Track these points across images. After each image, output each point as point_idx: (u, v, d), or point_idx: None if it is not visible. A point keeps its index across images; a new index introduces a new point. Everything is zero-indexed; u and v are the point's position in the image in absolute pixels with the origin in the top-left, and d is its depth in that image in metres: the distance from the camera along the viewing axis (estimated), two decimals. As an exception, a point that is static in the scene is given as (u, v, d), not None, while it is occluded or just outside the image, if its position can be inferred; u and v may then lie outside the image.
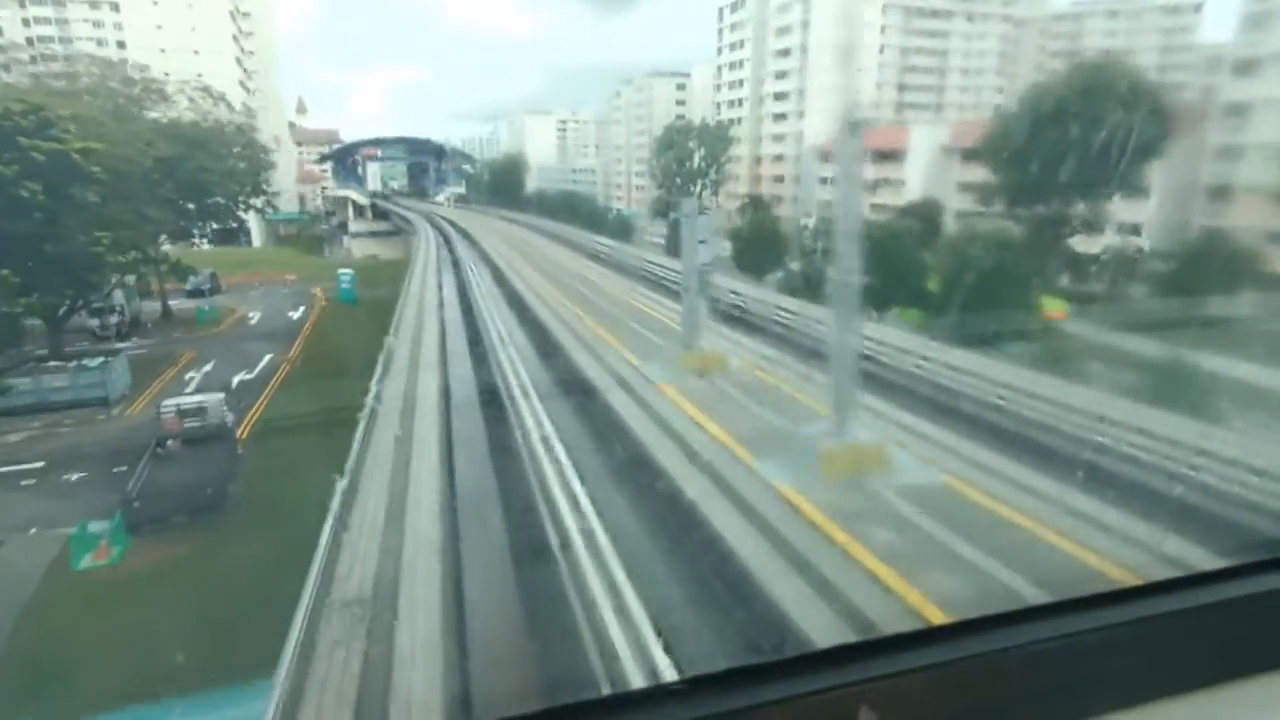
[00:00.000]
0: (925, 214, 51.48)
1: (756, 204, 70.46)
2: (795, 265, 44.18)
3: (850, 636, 6.31)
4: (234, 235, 76.64)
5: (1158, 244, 33.11)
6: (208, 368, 26.22)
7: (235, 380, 24.69)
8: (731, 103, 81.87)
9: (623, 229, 63.25)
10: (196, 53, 68.29)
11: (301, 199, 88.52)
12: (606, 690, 5.82)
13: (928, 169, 53.97)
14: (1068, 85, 31.12)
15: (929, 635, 1.10)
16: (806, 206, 72.27)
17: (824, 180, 69.43)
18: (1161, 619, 1.18)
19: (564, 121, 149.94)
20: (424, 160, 72.02)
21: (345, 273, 39.61)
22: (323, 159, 72.77)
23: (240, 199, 39.31)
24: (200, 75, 72.43)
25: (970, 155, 53.40)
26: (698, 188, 68.57)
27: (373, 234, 62.38)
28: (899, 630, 1.10)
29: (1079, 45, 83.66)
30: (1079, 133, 29.64)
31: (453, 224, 48.81)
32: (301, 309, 37.91)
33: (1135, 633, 1.15)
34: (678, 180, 71.05)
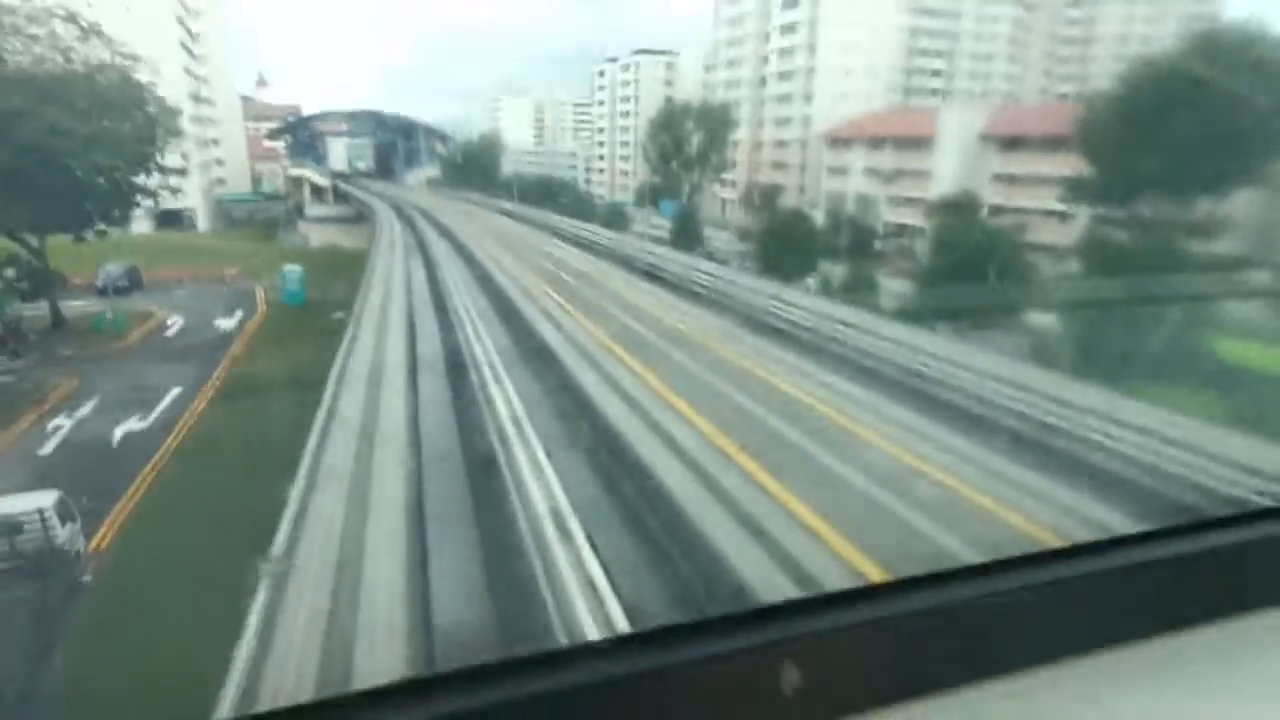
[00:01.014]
0: (961, 210, 45.26)
1: (771, 195, 63.84)
2: (833, 266, 37.68)
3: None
4: (176, 218, 68.02)
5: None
6: (85, 410, 18.66)
7: (119, 433, 17.33)
8: (728, 83, 74.81)
9: (614, 218, 56.15)
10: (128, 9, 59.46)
11: (258, 179, 79.56)
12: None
13: (960, 159, 47.72)
14: (1198, 58, 24.90)
15: (857, 594, 1.09)
16: (813, 196, 65.79)
17: (833, 169, 63.05)
18: (1086, 578, 1.20)
19: (542, 103, 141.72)
20: (393, 138, 63.85)
21: (292, 270, 32.01)
22: (274, 133, 64.14)
23: (117, 174, 28.76)
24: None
25: (1011, 144, 47.31)
26: (695, 174, 61.58)
27: (334, 219, 54.37)
28: (827, 590, 1.12)
29: (1094, 31, 78.41)
30: (1212, 115, 23.51)
31: (429, 218, 41.20)
32: (237, 314, 30.29)
33: (1060, 592, 1.17)
34: (672, 165, 63.98)
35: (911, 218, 52.95)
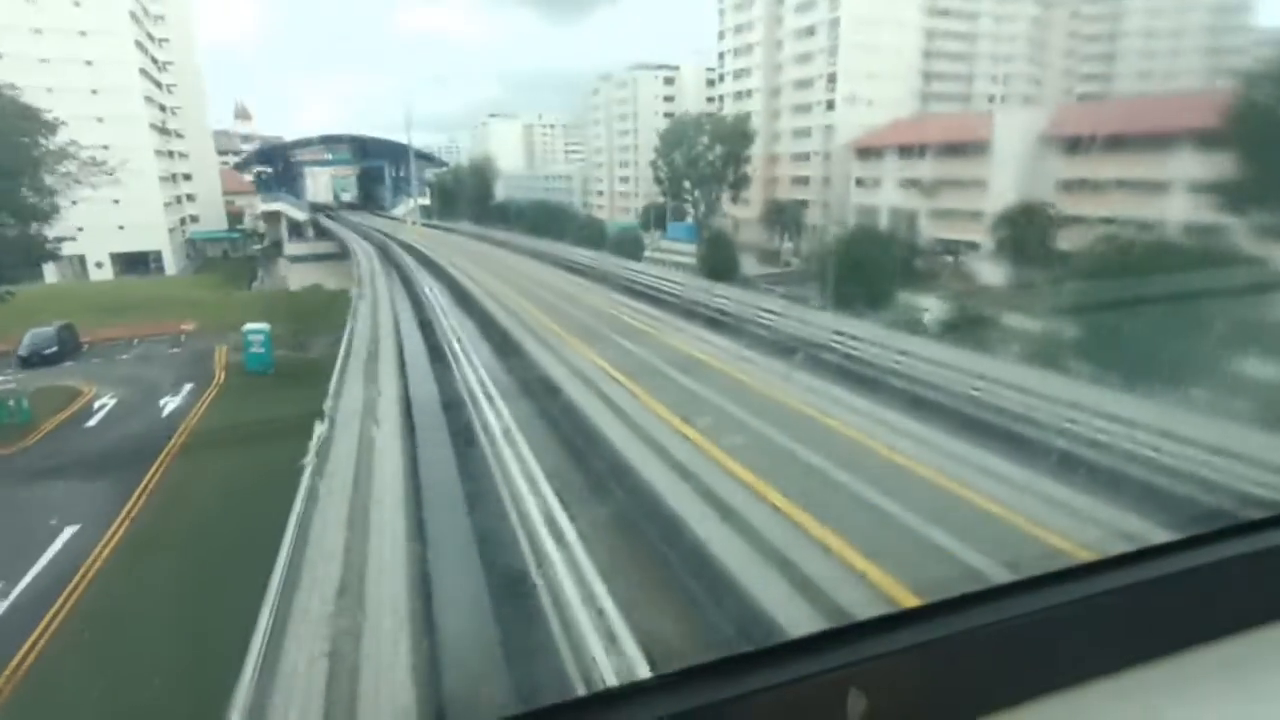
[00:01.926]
0: (1031, 223, 39.43)
1: (795, 213, 57.98)
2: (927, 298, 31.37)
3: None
4: (141, 261, 61.54)
5: None
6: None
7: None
8: (738, 94, 69.20)
9: (627, 244, 50.15)
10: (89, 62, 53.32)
11: (239, 214, 73.15)
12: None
13: (1020, 165, 42.04)
14: None
15: (911, 615, 1.08)
16: (839, 212, 60.00)
17: (863, 182, 57.35)
18: (1144, 586, 1.18)
19: (531, 126, 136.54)
20: (378, 165, 57.61)
21: (255, 331, 25.50)
22: (242, 164, 57.85)
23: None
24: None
25: (1073, 146, 41.63)
26: (712, 192, 55.73)
27: (316, 257, 47.93)
28: (884, 612, 1.10)
29: (1118, 27, 73.54)
30: None
31: (424, 260, 34.15)
32: (186, 389, 23.81)
33: (1119, 601, 1.16)
34: (686, 183, 58.13)
35: (958, 231, 47.23)
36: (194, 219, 70.77)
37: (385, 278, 30.23)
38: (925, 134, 50.89)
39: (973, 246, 45.73)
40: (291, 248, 50.10)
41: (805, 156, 62.18)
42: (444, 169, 61.37)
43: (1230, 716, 1.13)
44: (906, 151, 52.13)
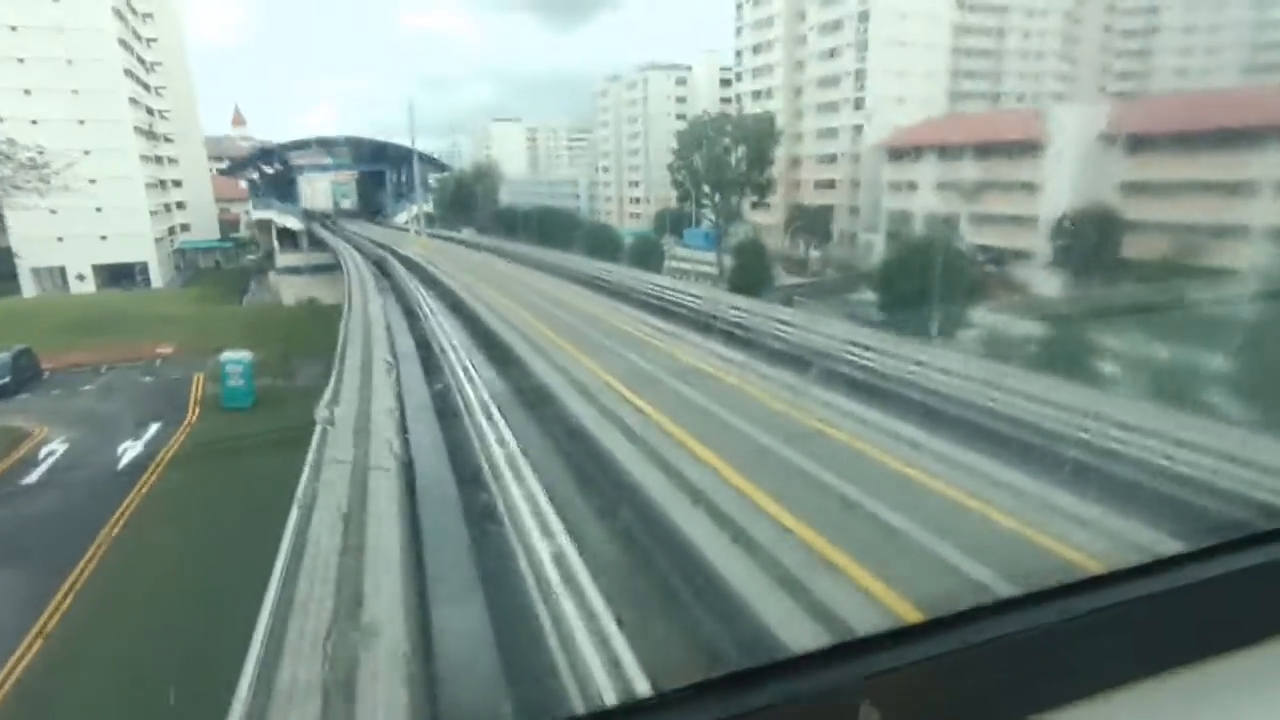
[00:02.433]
0: (1095, 230, 35.85)
1: (822, 219, 54.39)
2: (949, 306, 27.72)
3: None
4: (127, 274, 58.02)
5: None
6: None
7: None
8: (757, 93, 65.72)
9: (645, 255, 46.54)
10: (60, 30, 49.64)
11: (234, 223, 69.60)
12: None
13: (1079, 166, 38.49)
14: None
15: (926, 627, 1.08)
16: (869, 218, 56.45)
17: (896, 185, 53.78)
18: (1156, 598, 1.18)
19: (534, 129, 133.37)
20: (378, 170, 53.82)
21: (234, 361, 21.82)
22: (230, 169, 54.08)
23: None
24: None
25: (1141, 144, 38.05)
26: (734, 197, 52.14)
27: (312, 269, 44.29)
28: (896, 625, 1.10)
29: (1154, 22, 70.15)
30: None
31: (427, 279, 29.33)
32: (152, 430, 20.21)
33: (1132, 613, 1.15)
34: (705, 188, 54.57)
35: (1004, 238, 43.67)
36: (185, 228, 67.25)
37: (376, 285, 26.74)
38: (966, 133, 47.36)
39: (1021, 255, 42.19)
40: (284, 258, 46.49)
41: (831, 158, 58.66)
42: (447, 173, 57.55)
43: None
44: (945, 152, 48.57)
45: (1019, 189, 42.54)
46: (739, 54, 68.77)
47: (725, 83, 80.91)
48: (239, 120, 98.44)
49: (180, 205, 66.69)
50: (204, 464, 17.67)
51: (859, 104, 55.43)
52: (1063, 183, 39.03)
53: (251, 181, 50.69)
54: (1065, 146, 39.22)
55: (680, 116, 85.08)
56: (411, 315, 19.88)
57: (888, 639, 1.04)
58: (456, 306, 20.95)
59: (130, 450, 18.69)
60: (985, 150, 45.61)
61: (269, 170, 48.77)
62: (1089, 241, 35.30)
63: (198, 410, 22.18)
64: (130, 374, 26.76)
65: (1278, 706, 1.17)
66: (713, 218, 53.35)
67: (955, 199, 47.27)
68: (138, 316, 37.10)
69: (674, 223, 65.96)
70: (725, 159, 50.46)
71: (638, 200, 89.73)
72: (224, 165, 53.67)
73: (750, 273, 35.60)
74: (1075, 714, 1.07)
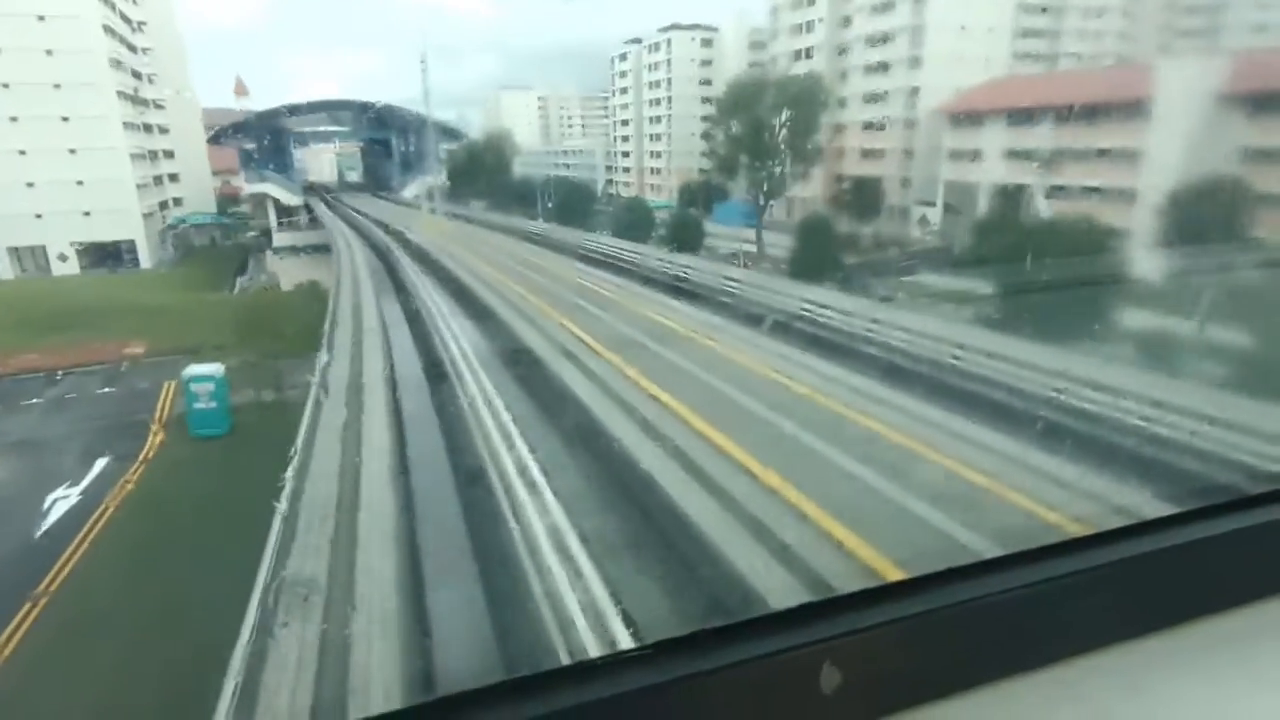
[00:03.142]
0: (1220, 204, 30.56)
1: (873, 191, 49.03)
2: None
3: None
4: (113, 253, 53.26)
5: None
6: None
7: None
8: (796, 54, 59.91)
9: (685, 234, 41.43)
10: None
11: (234, 196, 64.39)
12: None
13: (1190, 130, 33.12)
14: None
15: (890, 590, 1.09)
16: (922, 190, 51.09)
17: (957, 154, 48.31)
18: (1125, 563, 1.18)
19: (545, 98, 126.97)
20: (384, 138, 48.36)
21: (203, 378, 17.02)
22: (218, 137, 48.82)
23: None
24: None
25: (1261, 106, 32.62)
26: (779, 168, 46.71)
27: (312, 249, 39.40)
28: (862, 587, 1.11)
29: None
30: None
31: (442, 275, 23.14)
32: (97, 469, 15.63)
33: (1099, 578, 1.15)
34: (744, 158, 49.12)
35: (1091, 214, 38.34)
36: (178, 202, 62.29)
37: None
38: (1045, 94, 41.82)
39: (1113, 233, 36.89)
40: (281, 237, 41.61)
41: (879, 125, 52.99)
42: (461, 142, 52.05)
43: (1216, 692, 1.13)
44: (1019, 116, 43.03)
45: (1113, 158, 37.14)
46: (775, 10, 62.78)
47: (757, 45, 74.92)
48: (241, 90, 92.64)
49: (173, 178, 61.57)
50: (160, 519, 13.06)
51: (915, 63, 49.69)
52: (1171, 150, 33.64)
53: (244, 151, 45.55)
54: (1175, 108, 33.75)
55: (706, 81, 79.18)
56: (438, 376, 14.10)
57: (852, 601, 1.03)
58: (509, 349, 15.59)
59: (59, 505, 14.07)
60: (1069, 114, 40.07)
61: (264, 139, 43.56)
62: (1209, 218, 30.09)
63: (160, 437, 17.54)
64: (89, 382, 22.17)
65: (1253, 669, 1.15)
66: (752, 190, 48.03)
67: (1029, 169, 41.87)
68: (113, 305, 32.43)
69: (701, 195, 60.74)
70: (769, 125, 45.01)
71: (658, 171, 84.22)
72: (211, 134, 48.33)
73: (814, 255, 30.48)
74: (1043, 678, 1.06)
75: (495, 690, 0.89)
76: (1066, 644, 1.10)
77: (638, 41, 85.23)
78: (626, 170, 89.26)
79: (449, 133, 44.29)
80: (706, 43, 78.56)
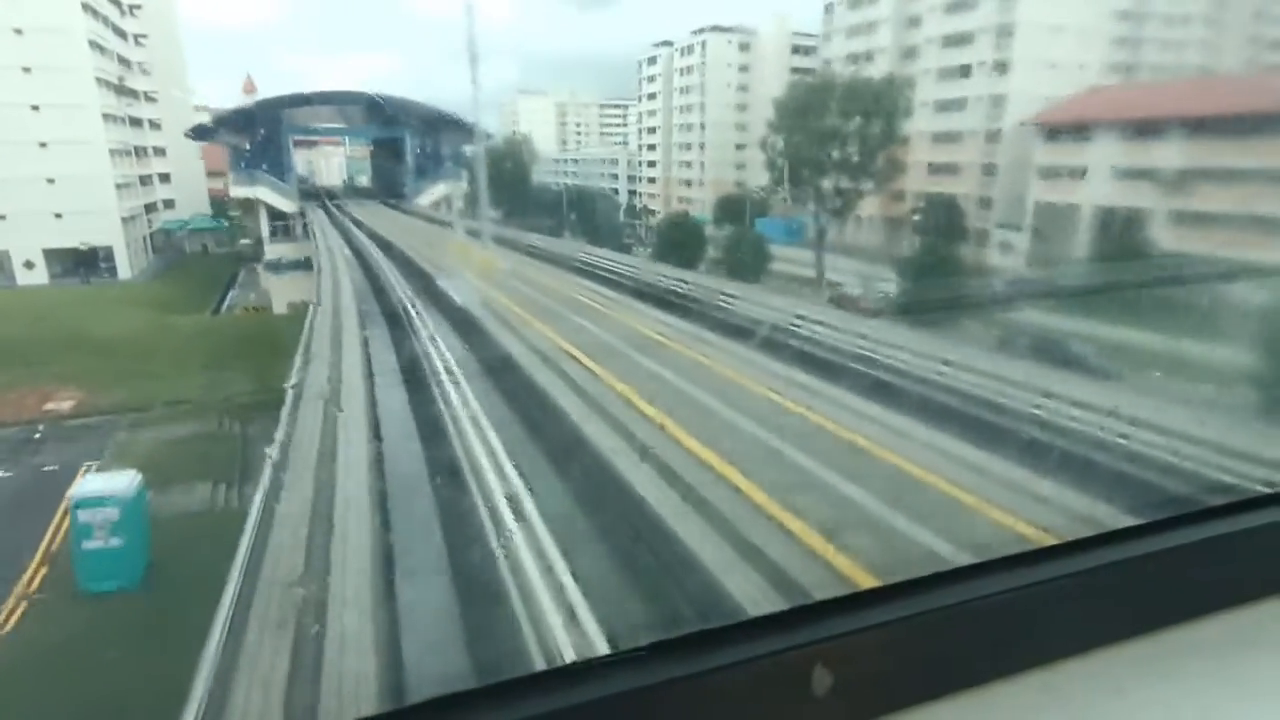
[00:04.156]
0: None
1: (952, 211, 42.54)
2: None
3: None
4: (90, 260, 46.91)
5: None
6: None
7: None
8: (853, 57, 53.65)
9: (743, 257, 34.95)
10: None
11: (226, 199, 58.07)
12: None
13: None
14: None
15: (880, 594, 1.08)
16: (1007, 212, 44.70)
17: (1051, 171, 41.93)
18: (1111, 567, 1.18)
19: (563, 104, 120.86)
20: (396, 137, 41.92)
21: (96, 497, 10.51)
22: (199, 132, 41.87)
23: None
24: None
25: None
26: (850, 182, 40.17)
27: (308, 264, 32.78)
28: (855, 590, 1.11)
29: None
30: None
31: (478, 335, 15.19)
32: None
33: (1086, 582, 1.16)
34: (806, 171, 42.69)
35: (1232, 247, 31.89)
36: (169, 204, 56.05)
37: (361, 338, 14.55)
38: (1172, 103, 35.36)
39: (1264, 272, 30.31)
40: (275, 249, 35.09)
41: (953, 137, 46.62)
42: (488, 143, 45.49)
43: (1197, 698, 1.13)
44: (1132, 130, 36.60)
45: (1268, 180, 30.72)
46: (829, 8, 56.56)
47: (801, 50, 68.87)
48: (251, 88, 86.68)
49: (164, 178, 55.36)
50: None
51: (1001, 68, 43.33)
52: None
53: (234, 148, 39.07)
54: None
55: (743, 88, 73.29)
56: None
57: (843, 604, 1.04)
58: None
59: None
60: (1204, 126, 33.62)
61: (257, 134, 37.12)
62: None
63: (35, 583, 11.00)
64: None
65: (1236, 674, 1.16)
66: (814, 207, 41.61)
67: (1147, 192, 35.38)
68: (58, 333, 25.94)
69: (740, 210, 54.50)
70: (840, 134, 38.63)
71: (689, 183, 78.02)
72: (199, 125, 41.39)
73: (922, 291, 23.88)
74: (1030, 681, 1.07)
75: (486, 692, 0.88)
76: (1053, 648, 1.10)
77: (668, 44, 79.22)
78: (651, 181, 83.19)
79: (469, 132, 37.88)
80: (744, 46, 72.52)
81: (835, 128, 39.38)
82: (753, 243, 36.48)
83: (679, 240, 38.40)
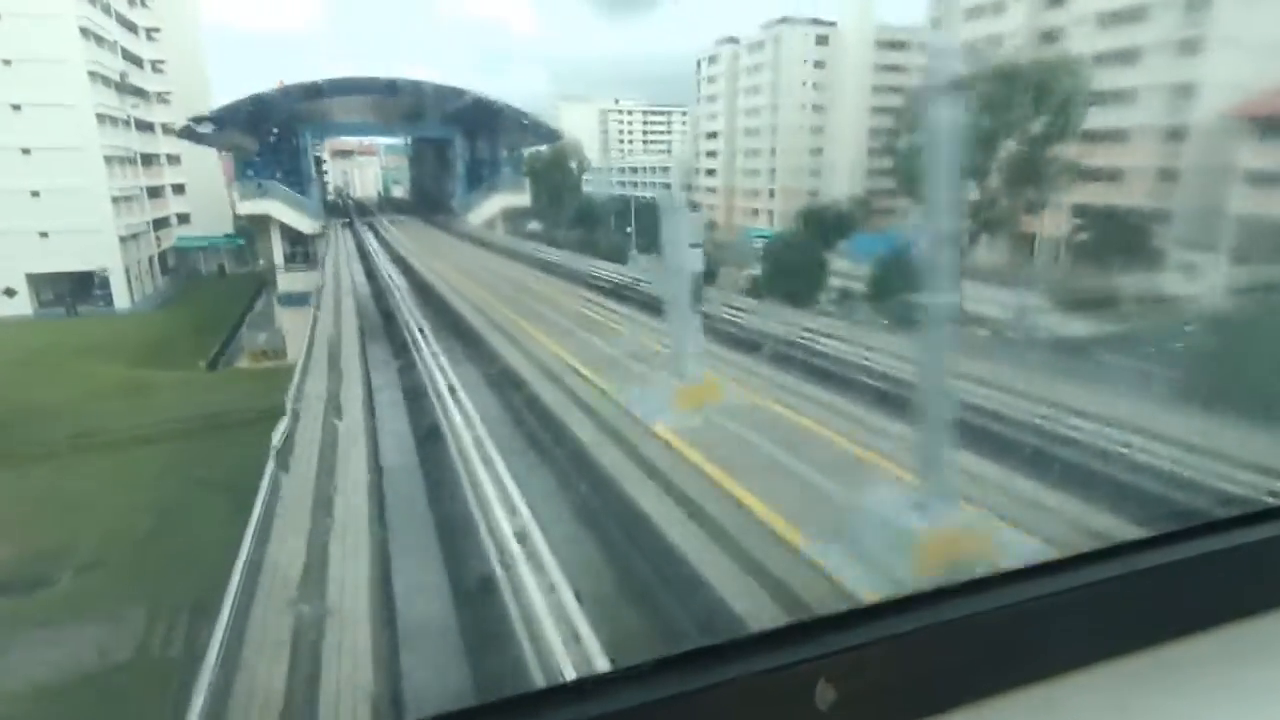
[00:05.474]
0: None
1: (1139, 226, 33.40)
2: None
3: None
4: (83, 287, 39.70)
5: None
6: None
7: None
8: (969, 47, 44.74)
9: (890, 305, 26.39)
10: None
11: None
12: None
13: None
14: None
15: (882, 609, 1.08)
16: (1197, 231, 35.51)
17: (1262, 178, 32.58)
18: (1114, 582, 1.17)
19: (607, 111, 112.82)
20: (444, 138, 33.47)
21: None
22: (189, 131, 33.66)
23: None
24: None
25: None
26: (1025, 192, 31.32)
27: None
28: (858, 604, 1.10)
29: None
30: None
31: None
32: None
33: (1088, 597, 1.15)
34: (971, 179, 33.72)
35: None
36: (183, 219, 48.86)
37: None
38: None
39: None
40: (290, 278, 27.26)
41: (1116, 135, 37.32)
42: (557, 144, 36.86)
43: (1200, 711, 1.12)
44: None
45: None
46: (941, -10, 47.49)
47: (888, 44, 60.15)
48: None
49: (178, 189, 48.11)
50: None
51: (1190, 48, 34.09)
52: None
53: (238, 152, 31.26)
54: None
55: (819, 86, 64.62)
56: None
57: (846, 619, 1.03)
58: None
59: None
60: None
61: (269, 133, 29.25)
62: None
63: None
64: None
65: (1236, 688, 1.15)
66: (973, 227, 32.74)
67: None
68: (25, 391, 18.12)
69: (830, 223, 45.81)
70: (999, 129, 29.80)
71: (756, 193, 69.33)
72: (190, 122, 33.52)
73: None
74: (1033, 695, 1.06)
75: (490, 709, 0.87)
76: (1054, 662, 1.09)
77: (733, 41, 70.79)
78: (711, 190, 74.69)
79: (542, 131, 29.33)
80: (822, 40, 63.82)
81: (992, 122, 30.50)
82: (902, 270, 27.82)
83: (791, 268, 29.81)
